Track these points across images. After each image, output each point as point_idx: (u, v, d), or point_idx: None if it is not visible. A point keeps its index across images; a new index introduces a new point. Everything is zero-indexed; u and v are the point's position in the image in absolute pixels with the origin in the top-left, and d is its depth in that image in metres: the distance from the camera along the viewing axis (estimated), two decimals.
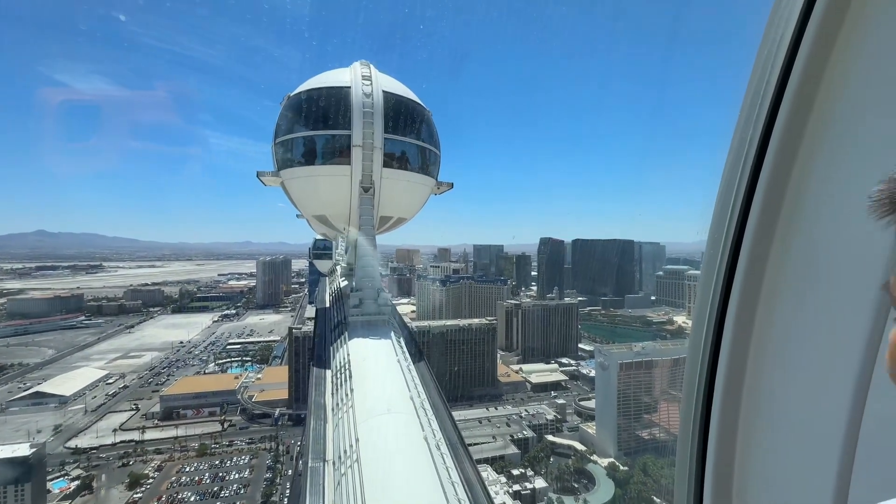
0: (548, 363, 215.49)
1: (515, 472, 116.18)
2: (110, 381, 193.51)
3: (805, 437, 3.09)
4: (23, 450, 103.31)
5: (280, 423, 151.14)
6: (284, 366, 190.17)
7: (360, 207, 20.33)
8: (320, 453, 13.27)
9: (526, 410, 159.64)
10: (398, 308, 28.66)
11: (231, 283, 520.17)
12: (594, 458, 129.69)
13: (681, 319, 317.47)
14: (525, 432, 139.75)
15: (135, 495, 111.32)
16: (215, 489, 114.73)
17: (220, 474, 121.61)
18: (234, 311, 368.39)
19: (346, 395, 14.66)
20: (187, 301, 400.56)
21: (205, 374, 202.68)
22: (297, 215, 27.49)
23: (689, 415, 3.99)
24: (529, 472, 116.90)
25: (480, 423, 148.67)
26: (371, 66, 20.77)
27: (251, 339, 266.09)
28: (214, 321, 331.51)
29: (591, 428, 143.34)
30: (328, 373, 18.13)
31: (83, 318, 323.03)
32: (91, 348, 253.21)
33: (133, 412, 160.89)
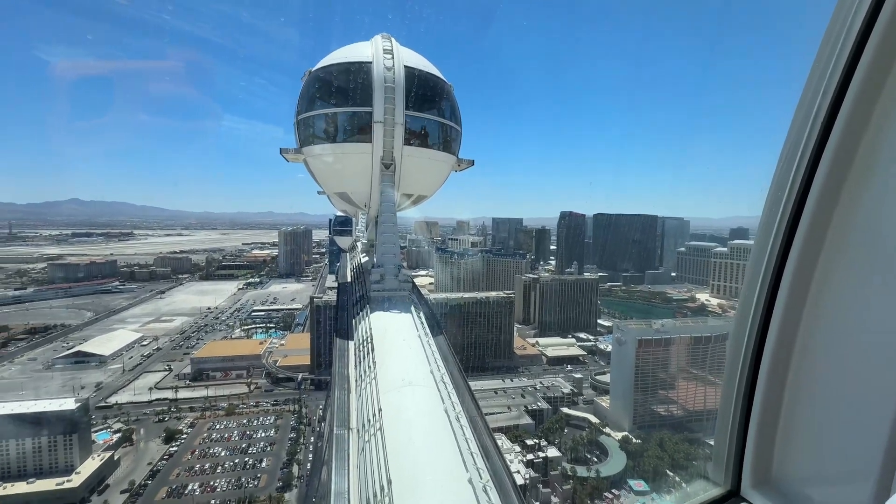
0: (564, 337, 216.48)
1: (529, 441, 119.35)
2: (145, 342, 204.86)
3: (853, 413, 3.11)
4: (69, 404, 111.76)
5: (303, 387, 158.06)
6: (306, 333, 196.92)
7: (381, 185, 20.36)
8: (345, 421, 13.94)
9: (541, 383, 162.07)
10: (416, 280, 29.03)
11: (255, 252, 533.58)
12: (608, 430, 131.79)
13: (703, 297, 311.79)
14: (539, 404, 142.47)
15: (171, 448, 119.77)
16: (243, 446, 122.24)
17: (248, 433, 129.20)
18: (258, 280, 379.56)
19: (369, 367, 15.19)
20: (214, 269, 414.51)
21: (231, 338, 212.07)
22: (319, 192, 27.63)
23: (732, 385, 4.07)
24: (543, 442, 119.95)
25: (496, 393, 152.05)
26: (392, 39, 20.25)
27: (274, 307, 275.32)
28: (240, 288, 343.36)
29: (605, 402, 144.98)
30: (351, 344, 18.75)
31: (117, 283, 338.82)
32: (126, 312, 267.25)
33: (166, 373, 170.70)
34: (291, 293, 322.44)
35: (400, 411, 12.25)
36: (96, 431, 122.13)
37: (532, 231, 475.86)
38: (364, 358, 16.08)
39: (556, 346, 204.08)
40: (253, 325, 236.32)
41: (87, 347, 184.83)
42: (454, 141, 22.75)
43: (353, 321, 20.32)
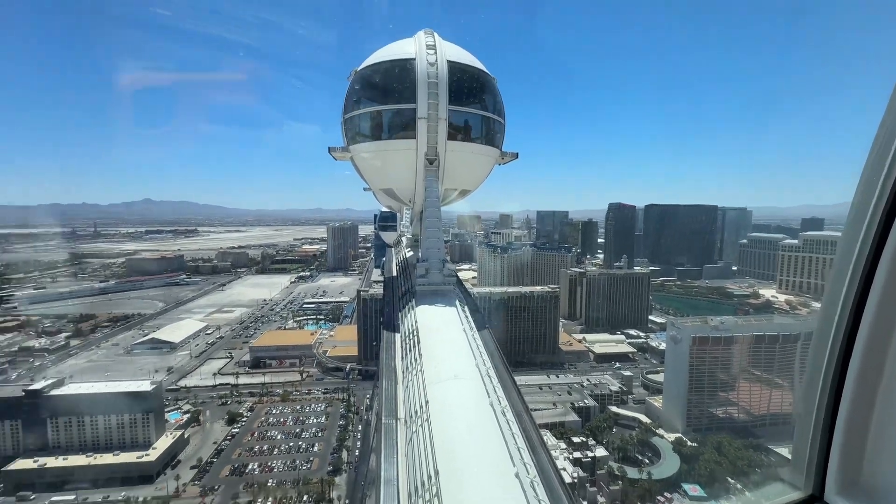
0: (613, 334, 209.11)
1: (576, 439, 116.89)
2: (209, 331, 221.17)
3: None
4: (146, 385, 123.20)
5: (351, 377, 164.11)
6: (354, 325, 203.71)
7: (425, 180, 20.59)
8: (393, 411, 14.37)
9: (588, 380, 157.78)
10: (459, 274, 29.13)
11: (305, 247, 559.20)
12: (660, 431, 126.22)
13: (769, 293, 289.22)
14: (587, 401, 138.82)
15: (233, 430, 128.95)
16: (297, 430, 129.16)
17: (301, 418, 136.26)
18: (308, 273, 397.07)
19: (415, 359, 15.53)
20: (268, 263, 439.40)
21: (285, 329, 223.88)
22: (365, 188, 28.35)
23: (815, 383, 3.83)
24: (590, 441, 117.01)
25: (541, 389, 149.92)
26: (435, 34, 20.31)
27: (324, 299, 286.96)
28: (292, 282, 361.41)
29: (658, 402, 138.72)
30: (397, 337, 19.24)
31: (184, 276, 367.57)
32: (192, 303, 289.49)
33: (228, 360, 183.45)
34: (339, 286, 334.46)
35: (446, 403, 12.44)
36: (169, 412, 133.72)
37: (578, 224, 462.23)
38: (410, 350, 16.45)
39: (604, 342, 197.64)
40: (304, 317, 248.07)
41: (159, 335, 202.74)
42: (498, 134, 22.56)
43: (400, 314, 20.80)
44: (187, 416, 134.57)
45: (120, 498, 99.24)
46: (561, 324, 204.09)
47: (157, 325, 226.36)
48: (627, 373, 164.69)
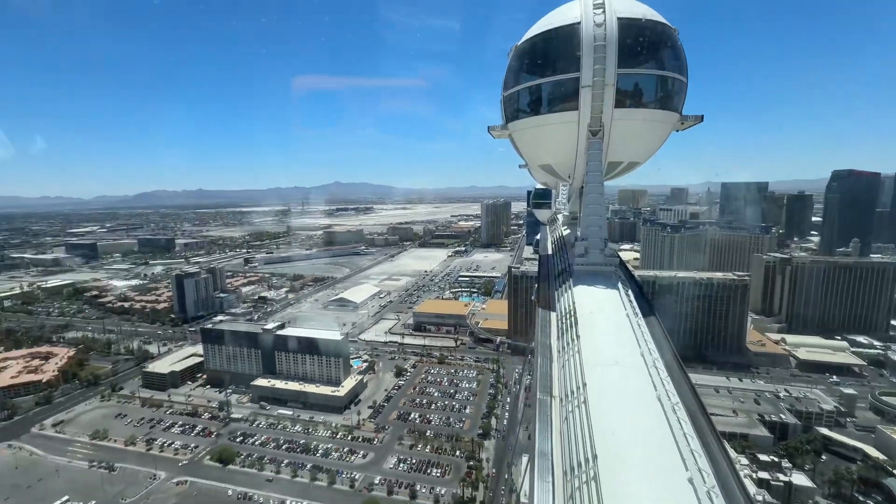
0: (829, 338, 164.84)
1: (763, 457, 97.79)
2: (381, 296, 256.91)
3: None
4: (337, 335, 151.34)
5: (500, 349, 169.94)
6: (504, 300, 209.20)
7: (587, 153, 19.19)
8: (547, 388, 14.38)
9: (786, 391, 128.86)
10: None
11: (461, 223, 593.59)
12: None
13: None
14: (783, 416, 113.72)
15: (399, 382, 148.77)
16: (451, 392, 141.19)
17: (455, 381, 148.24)
18: (463, 248, 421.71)
19: (573, 339, 15.08)
20: (429, 238, 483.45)
21: (442, 298, 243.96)
22: (521, 165, 28.03)
23: None
24: (786, 464, 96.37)
25: (717, 391, 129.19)
26: None
27: (477, 274, 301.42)
28: (448, 256, 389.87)
29: None
30: (553, 316, 18.93)
31: (363, 247, 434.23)
32: (369, 270, 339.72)
33: (396, 321, 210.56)
34: (491, 262, 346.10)
35: (605, 389, 11.84)
36: (352, 359, 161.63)
37: (782, 198, 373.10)
38: (567, 331, 16.03)
39: (814, 347, 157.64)
40: (459, 289, 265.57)
41: (346, 295, 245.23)
42: (677, 95, 19.47)
43: (556, 293, 20.36)
44: (365, 364, 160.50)
45: (320, 420, 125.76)
46: (750, 319, 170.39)
47: (344, 287, 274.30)
48: (849, 390, 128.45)
